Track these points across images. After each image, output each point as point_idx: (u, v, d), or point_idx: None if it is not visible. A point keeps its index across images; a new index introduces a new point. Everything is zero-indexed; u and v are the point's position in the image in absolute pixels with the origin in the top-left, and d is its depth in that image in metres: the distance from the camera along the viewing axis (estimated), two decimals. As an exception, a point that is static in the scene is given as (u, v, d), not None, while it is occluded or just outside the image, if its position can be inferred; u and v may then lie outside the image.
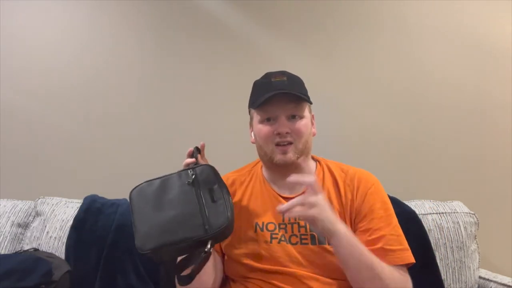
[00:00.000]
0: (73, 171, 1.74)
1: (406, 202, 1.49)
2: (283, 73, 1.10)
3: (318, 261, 0.97)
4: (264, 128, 1.06)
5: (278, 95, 1.03)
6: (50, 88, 1.78)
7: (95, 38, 1.82)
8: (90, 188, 1.59)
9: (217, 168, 1.38)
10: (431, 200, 1.54)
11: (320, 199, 0.89)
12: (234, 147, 1.74)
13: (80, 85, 1.79)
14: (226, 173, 1.24)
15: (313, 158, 1.19)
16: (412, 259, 0.98)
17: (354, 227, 1.03)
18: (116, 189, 1.65)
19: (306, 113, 1.09)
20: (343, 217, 1.04)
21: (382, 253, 0.96)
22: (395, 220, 1.03)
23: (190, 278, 0.86)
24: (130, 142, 1.78)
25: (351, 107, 1.84)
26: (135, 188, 0.96)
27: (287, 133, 1.04)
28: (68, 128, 1.77)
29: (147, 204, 0.92)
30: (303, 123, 1.06)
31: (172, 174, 0.98)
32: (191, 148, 1.11)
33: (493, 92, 1.85)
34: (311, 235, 1.01)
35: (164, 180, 0.96)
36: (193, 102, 1.82)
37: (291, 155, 1.04)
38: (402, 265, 0.98)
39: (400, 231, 1.02)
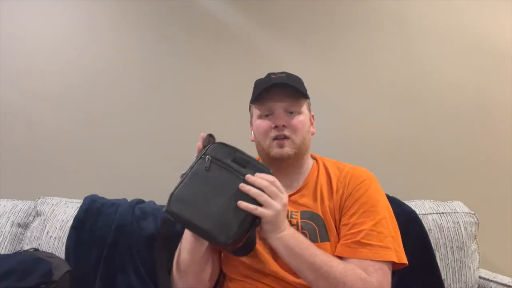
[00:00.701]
0: (73, 171, 1.74)
1: (406, 202, 1.49)
2: (283, 72, 1.12)
3: None
4: (263, 123, 1.08)
5: (276, 89, 1.05)
6: (50, 88, 1.78)
7: (95, 38, 1.83)
8: (90, 188, 1.59)
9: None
10: (431, 200, 1.54)
11: (279, 203, 0.88)
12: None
13: (80, 85, 1.79)
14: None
15: (311, 156, 1.19)
16: (391, 258, 0.94)
17: (340, 221, 1.03)
18: (116, 189, 1.66)
19: (304, 110, 1.11)
20: (333, 212, 1.04)
21: (357, 246, 0.95)
22: (380, 217, 0.98)
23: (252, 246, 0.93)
24: (130, 142, 1.78)
25: (351, 107, 1.84)
26: (169, 205, 0.89)
27: (283, 126, 1.05)
28: (68, 128, 1.77)
29: (197, 208, 0.88)
30: (301, 119, 1.08)
31: (193, 167, 0.93)
32: (204, 134, 1.02)
33: (493, 92, 1.85)
34: (302, 233, 1.01)
35: (190, 178, 0.92)
36: (193, 102, 1.82)
37: (288, 149, 1.05)
38: (379, 263, 0.93)
39: (382, 229, 0.97)
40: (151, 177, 1.76)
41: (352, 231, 0.98)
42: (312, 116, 1.18)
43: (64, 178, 1.73)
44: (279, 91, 1.06)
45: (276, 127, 1.05)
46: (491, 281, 1.42)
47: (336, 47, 1.88)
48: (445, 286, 1.38)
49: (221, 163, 0.92)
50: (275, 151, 1.06)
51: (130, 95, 1.81)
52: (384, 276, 0.93)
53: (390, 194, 1.43)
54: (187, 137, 1.80)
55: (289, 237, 0.90)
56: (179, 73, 1.83)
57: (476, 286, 1.44)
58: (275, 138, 1.06)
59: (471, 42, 1.87)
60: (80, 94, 1.79)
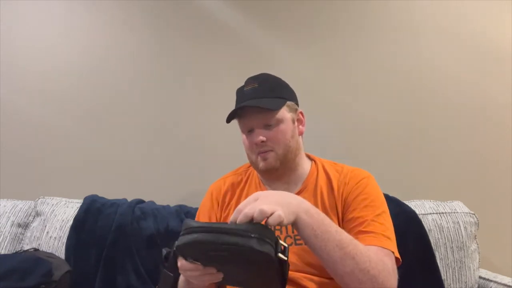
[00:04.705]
0: (73, 171, 1.74)
1: (406, 202, 1.49)
2: (257, 77, 1.11)
3: (313, 261, 0.97)
4: (246, 140, 1.11)
5: (247, 107, 1.05)
6: (50, 88, 1.78)
7: (95, 38, 1.82)
8: (90, 188, 1.59)
9: (216, 169, 1.38)
10: (431, 200, 1.54)
11: (260, 201, 0.75)
12: (234, 147, 1.74)
13: (80, 85, 1.79)
14: (224, 175, 1.24)
15: (309, 157, 1.19)
16: (392, 248, 0.93)
17: (342, 219, 1.03)
18: (116, 189, 1.66)
19: (283, 116, 1.08)
20: (334, 211, 1.04)
21: (361, 234, 0.95)
22: (380, 210, 1.00)
23: None
24: (130, 142, 1.78)
25: (351, 107, 1.84)
26: None
27: (262, 141, 1.06)
28: (68, 128, 1.77)
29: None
30: (280, 129, 1.07)
31: None
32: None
33: (493, 92, 1.85)
34: None
35: None
36: (194, 102, 1.82)
37: (271, 161, 1.06)
38: (385, 250, 0.91)
39: (383, 221, 0.97)
40: (151, 177, 1.76)
41: (355, 223, 0.98)
42: (301, 113, 1.15)
43: (64, 178, 1.73)
44: (251, 107, 1.05)
45: (255, 144, 1.07)
46: (491, 281, 1.42)
47: (336, 47, 1.87)
48: (445, 286, 1.39)
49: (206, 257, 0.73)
50: (261, 164, 1.07)
51: (130, 95, 1.81)
52: (392, 262, 0.91)
53: (390, 194, 1.43)
54: (187, 137, 1.81)
55: (312, 212, 0.81)
56: (179, 73, 1.83)
57: (476, 286, 1.44)
58: (259, 153, 1.08)
59: (471, 42, 1.87)
60: (80, 94, 1.79)
